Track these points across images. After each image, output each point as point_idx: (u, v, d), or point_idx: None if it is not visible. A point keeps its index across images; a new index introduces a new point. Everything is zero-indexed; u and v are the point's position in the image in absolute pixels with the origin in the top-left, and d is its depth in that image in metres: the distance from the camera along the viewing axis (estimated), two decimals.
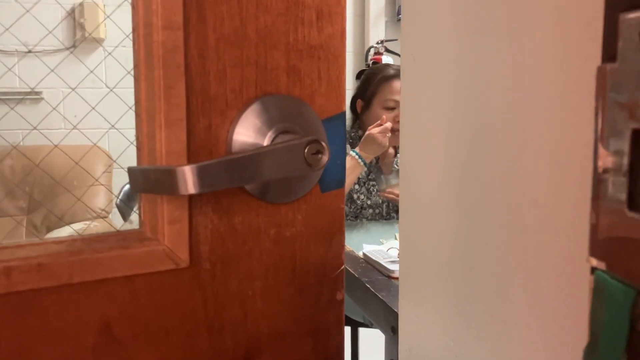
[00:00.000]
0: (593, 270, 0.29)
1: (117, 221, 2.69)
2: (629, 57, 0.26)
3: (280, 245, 0.55)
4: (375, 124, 1.74)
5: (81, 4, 2.82)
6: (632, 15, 0.26)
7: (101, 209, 2.57)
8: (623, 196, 0.27)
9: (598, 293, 0.28)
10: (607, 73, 0.28)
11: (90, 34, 2.72)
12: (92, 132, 2.65)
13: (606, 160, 0.28)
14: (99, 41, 2.86)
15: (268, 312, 0.55)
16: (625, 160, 0.27)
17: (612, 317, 0.27)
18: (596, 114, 0.28)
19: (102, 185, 2.48)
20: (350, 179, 1.76)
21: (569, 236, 0.35)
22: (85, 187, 2.45)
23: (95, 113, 2.39)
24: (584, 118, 0.32)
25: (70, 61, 2.81)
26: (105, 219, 2.57)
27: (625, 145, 0.27)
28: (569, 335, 0.35)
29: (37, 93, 2.74)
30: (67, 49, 2.82)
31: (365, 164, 1.74)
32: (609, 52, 0.28)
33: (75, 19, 2.83)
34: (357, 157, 1.74)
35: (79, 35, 2.85)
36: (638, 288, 0.26)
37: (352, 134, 1.97)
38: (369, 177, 1.91)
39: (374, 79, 1.90)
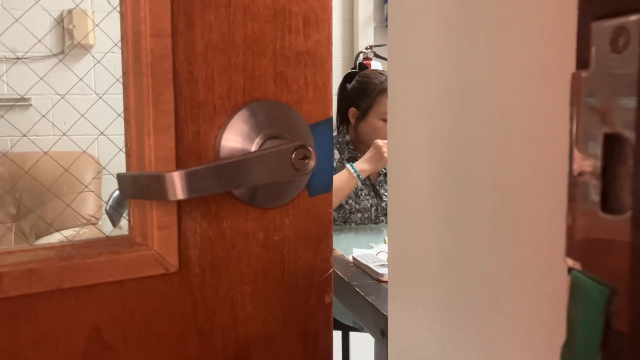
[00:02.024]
0: (570, 270, 0.30)
1: (107, 228, 2.68)
2: (601, 63, 0.28)
3: (268, 249, 0.55)
4: (385, 142, 1.76)
5: (69, 11, 2.81)
6: (604, 23, 0.27)
7: (90, 215, 2.56)
8: (596, 198, 0.28)
9: (574, 292, 0.29)
10: (581, 79, 0.29)
11: (79, 42, 2.72)
12: (79, 139, 2.65)
13: (581, 163, 0.29)
14: (87, 48, 2.86)
15: (257, 315, 0.56)
16: (598, 164, 0.28)
17: (587, 315, 0.28)
18: (571, 119, 0.29)
19: (92, 191, 2.47)
20: (343, 192, 1.77)
21: (551, 238, 0.35)
22: (74, 193, 2.45)
23: (82, 119, 2.38)
24: (565, 123, 0.33)
25: (58, 67, 2.81)
26: (95, 225, 2.56)
27: (598, 149, 0.28)
28: (553, 335, 0.36)
29: (25, 100, 2.73)
30: (56, 55, 2.81)
31: (360, 179, 1.75)
32: (583, 59, 0.29)
33: (63, 25, 2.83)
34: (353, 171, 1.74)
35: (68, 42, 2.84)
36: (612, 286, 0.27)
37: (340, 139, 1.98)
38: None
39: (371, 91, 1.91)
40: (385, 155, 1.74)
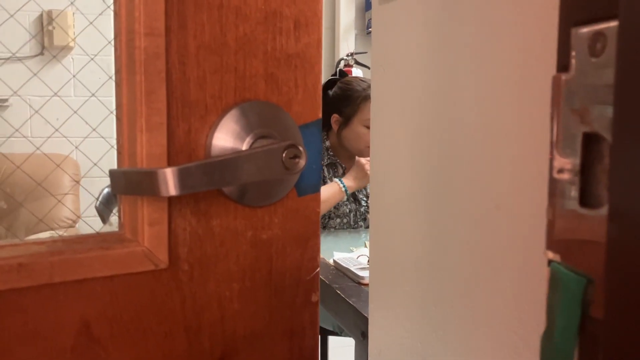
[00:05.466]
0: (550, 262, 0.32)
1: (84, 231, 2.65)
2: (580, 67, 0.29)
3: (257, 247, 0.56)
4: (367, 159, 1.81)
5: (49, 12, 2.79)
6: (583, 29, 0.29)
7: (68, 218, 2.53)
8: (575, 194, 0.30)
9: (553, 283, 0.31)
10: (561, 82, 0.31)
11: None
12: (57, 142, 2.62)
13: (560, 161, 0.31)
14: (67, 49, 2.83)
15: (245, 313, 0.57)
16: (578, 161, 0.30)
17: (566, 304, 0.30)
18: (552, 120, 0.31)
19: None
20: (329, 204, 1.80)
21: (529, 238, 0.37)
22: (52, 196, 2.42)
23: (60, 123, 2.35)
24: (543, 126, 0.35)
25: (37, 69, 2.78)
26: (72, 228, 2.53)
27: (577, 147, 0.30)
28: (530, 333, 0.37)
29: (2, 101, 2.69)
30: (36, 56, 2.78)
31: (347, 193, 1.79)
32: (563, 63, 0.31)
33: (43, 26, 2.80)
34: (341, 185, 1.78)
35: (47, 44, 2.81)
36: (589, 277, 0.29)
37: None
38: None
39: (355, 98, 1.92)
40: (369, 172, 1.79)
